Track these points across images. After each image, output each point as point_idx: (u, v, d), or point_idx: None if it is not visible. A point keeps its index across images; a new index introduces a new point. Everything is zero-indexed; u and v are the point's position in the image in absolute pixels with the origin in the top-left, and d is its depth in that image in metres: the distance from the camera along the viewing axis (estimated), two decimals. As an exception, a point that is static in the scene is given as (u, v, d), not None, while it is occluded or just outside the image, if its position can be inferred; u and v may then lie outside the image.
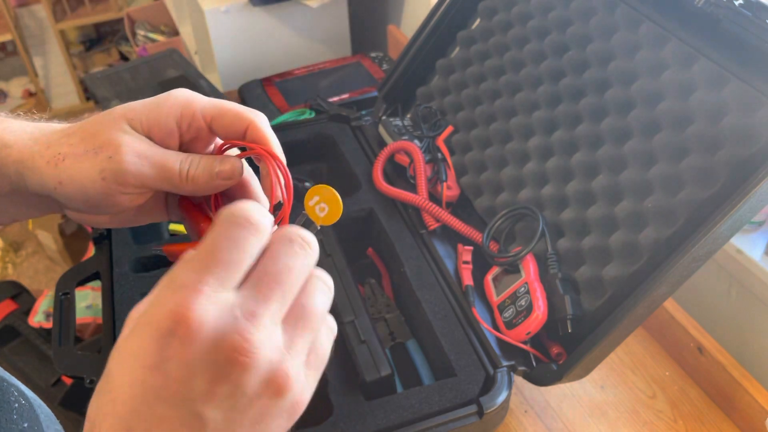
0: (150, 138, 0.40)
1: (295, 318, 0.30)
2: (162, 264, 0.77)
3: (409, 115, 0.93)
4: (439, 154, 0.85)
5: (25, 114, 0.44)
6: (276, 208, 0.42)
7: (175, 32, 2.14)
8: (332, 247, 0.76)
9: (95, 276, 0.77)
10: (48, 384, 1.30)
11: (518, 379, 0.67)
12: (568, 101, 0.74)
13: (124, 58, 2.83)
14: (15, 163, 0.40)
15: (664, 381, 0.79)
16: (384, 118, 0.92)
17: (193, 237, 0.45)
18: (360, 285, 0.79)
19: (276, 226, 0.39)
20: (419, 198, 0.80)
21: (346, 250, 0.77)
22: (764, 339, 0.81)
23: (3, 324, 1.43)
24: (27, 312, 1.47)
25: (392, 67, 0.95)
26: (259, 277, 0.30)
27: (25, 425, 0.35)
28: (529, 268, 0.69)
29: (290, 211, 0.42)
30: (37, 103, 2.93)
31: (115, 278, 0.75)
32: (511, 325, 0.67)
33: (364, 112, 1.01)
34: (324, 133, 0.95)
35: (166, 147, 0.41)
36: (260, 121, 0.40)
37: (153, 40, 2.21)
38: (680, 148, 0.62)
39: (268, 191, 0.42)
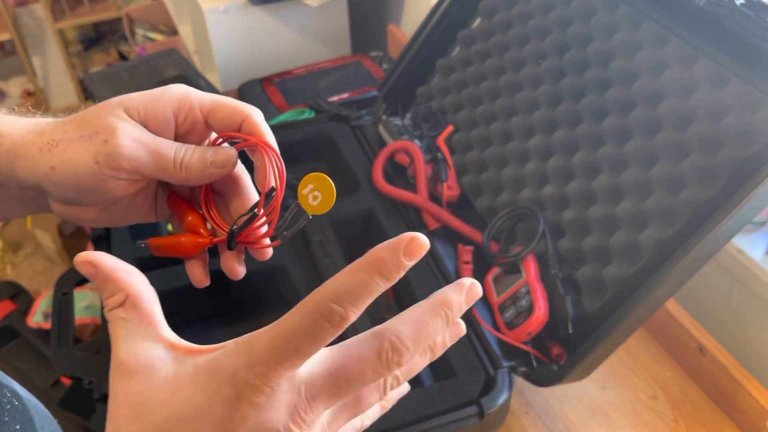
0: (146, 127, 0.40)
1: (345, 405, 0.32)
2: (161, 265, 0.76)
3: (409, 115, 0.93)
4: (440, 154, 0.85)
5: (20, 109, 0.44)
6: (268, 195, 0.42)
7: (175, 32, 2.14)
8: (332, 247, 0.76)
9: (94, 276, 0.77)
10: (47, 384, 1.29)
11: (519, 380, 0.67)
12: (569, 101, 0.74)
13: (123, 57, 2.83)
14: (7, 152, 0.39)
15: (665, 381, 0.79)
16: (384, 117, 0.92)
17: (179, 230, 0.44)
18: (360, 285, 0.79)
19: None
20: (419, 198, 0.80)
21: (346, 250, 0.76)
22: (766, 339, 0.81)
23: (2, 324, 1.42)
24: (26, 312, 1.47)
25: (392, 67, 0.94)
26: (334, 370, 0.31)
27: (17, 427, 0.35)
28: (530, 269, 0.68)
29: (281, 200, 0.42)
30: (36, 102, 2.93)
31: (114, 278, 0.74)
32: (511, 325, 0.67)
33: (364, 112, 1.01)
34: (324, 132, 0.94)
35: (162, 136, 0.41)
36: (256, 115, 0.41)
37: (152, 40, 2.21)
38: (681, 148, 0.62)
39: (261, 183, 0.41)
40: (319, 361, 0.31)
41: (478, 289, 0.34)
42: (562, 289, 0.66)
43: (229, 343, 0.33)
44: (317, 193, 0.41)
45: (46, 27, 2.89)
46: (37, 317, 1.44)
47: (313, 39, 1.47)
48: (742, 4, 0.59)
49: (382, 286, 0.30)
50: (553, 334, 0.66)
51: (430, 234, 0.78)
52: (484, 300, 0.72)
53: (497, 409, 0.61)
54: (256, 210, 0.42)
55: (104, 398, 0.64)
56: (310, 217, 0.41)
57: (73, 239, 2.18)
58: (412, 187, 0.82)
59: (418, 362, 0.35)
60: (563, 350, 0.66)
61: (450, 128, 0.87)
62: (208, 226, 0.44)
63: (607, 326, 0.61)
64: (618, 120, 0.68)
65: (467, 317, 0.70)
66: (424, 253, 0.31)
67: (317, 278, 0.73)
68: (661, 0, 0.68)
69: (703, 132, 0.61)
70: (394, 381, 0.34)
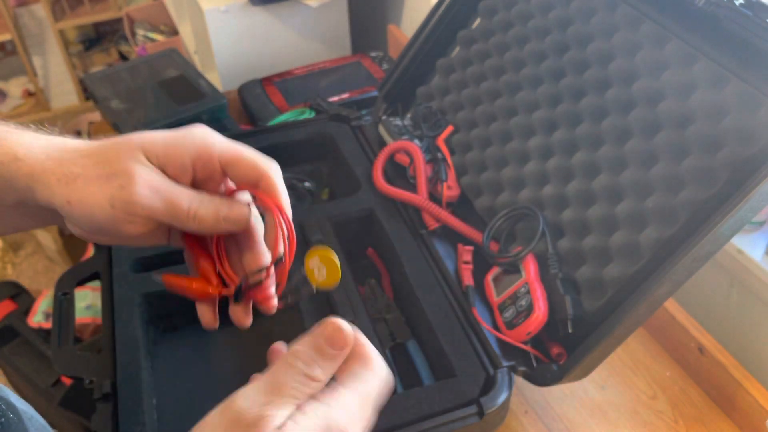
0: (164, 171, 0.41)
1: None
2: (162, 264, 0.76)
3: (409, 115, 0.93)
4: (439, 154, 0.85)
5: (27, 116, 0.44)
6: (277, 263, 0.43)
7: (175, 32, 2.14)
8: (332, 247, 0.76)
9: (95, 276, 0.77)
10: (47, 384, 1.29)
11: (519, 380, 0.67)
12: (569, 101, 0.74)
13: (123, 57, 2.83)
14: (25, 176, 0.39)
15: (665, 381, 0.79)
16: (384, 117, 0.92)
17: (192, 272, 0.45)
18: (360, 285, 0.79)
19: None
20: (419, 198, 0.80)
21: (346, 250, 0.76)
22: (765, 339, 0.81)
23: (2, 324, 1.43)
24: (26, 312, 1.47)
25: (392, 67, 0.94)
26: (323, 413, 0.35)
27: None
28: (530, 269, 0.69)
29: (290, 266, 0.44)
30: (36, 102, 2.93)
31: (114, 278, 0.75)
32: (511, 325, 0.67)
33: (364, 112, 1.01)
34: (324, 132, 0.95)
35: (179, 182, 0.41)
36: (274, 174, 0.41)
37: (152, 40, 2.21)
38: (681, 148, 0.62)
39: (270, 244, 0.43)
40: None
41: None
42: (562, 289, 0.66)
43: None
44: (323, 269, 0.43)
45: (47, 27, 2.89)
46: (38, 317, 1.44)
47: (314, 39, 1.47)
48: (741, 4, 0.59)
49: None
50: (552, 333, 0.66)
51: (430, 234, 0.79)
52: (484, 300, 0.72)
53: (497, 409, 0.61)
54: (263, 274, 0.43)
55: (104, 398, 0.64)
56: (314, 291, 0.43)
57: (73, 239, 2.18)
58: (412, 187, 0.82)
59: None
60: (563, 350, 0.66)
61: (450, 128, 0.87)
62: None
63: (607, 326, 0.61)
64: (618, 120, 0.68)
65: (467, 317, 0.70)
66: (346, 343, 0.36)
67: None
68: (660, 0, 0.68)
69: (703, 132, 0.61)
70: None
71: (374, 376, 0.37)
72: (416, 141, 0.86)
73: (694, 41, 0.63)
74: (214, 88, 1.12)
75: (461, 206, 0.82)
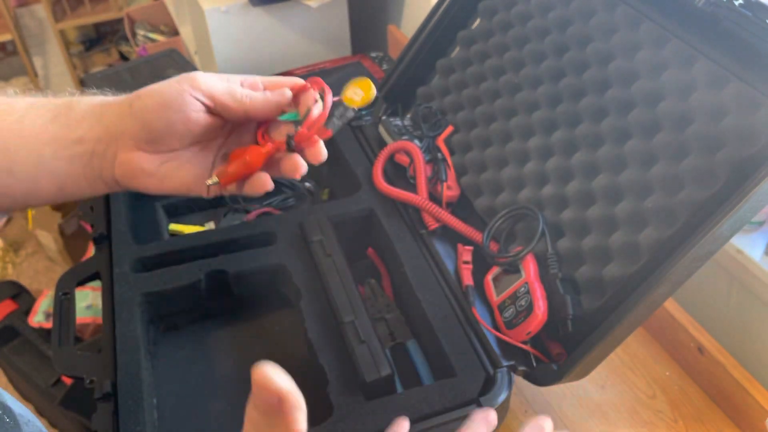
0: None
1: None
2: (162, 264, 0.77)
3: (409, 115, 0.93)
4: (439, 154, 0.85)
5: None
6: (319, 98, 0.54)
7: (175, 32, 2.14)
8: (332, 247, 0.76)
9: (95, 276, 0.77)
10: (48, 384, 1.30)
11: (518, 380, 0.67)
12: (568, 101, 0.74)
13: (123, 58, 2.83)
14: (96, 105, 0.52)
15: (665, 381, 0.80)
16: (384, 118, 0.92)
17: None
18: (360, 285, 0.79)
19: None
20: (419, 198, 0.80)
21: (346, 250, 0.77)
22: (765, 339, 0.81)
23: (3, 324, 1.43)
24: (27, 312, 1.47)
25: (392, 67, 0.94)
26: None
27: None
28: (529, 268, 0.69)
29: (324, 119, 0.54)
30: (37, 103, 2.93)
31: (115, 278, 0.75)
32: (511, 325, 0.67)
33: (364, 112, 1.01)
34: (324, 133, 0.95)
35: None
36: (303, 81, 0.54)
37: (153, 40, 2.21)
38: (680, 148, 0.62)
39: (305, 104, 0.53)
40: None
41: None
42: (562, 289, 0.66)
43: None
44: (359, 91, 0.55)
45: (47, 27, 2.89)
46: (38, 317, 1.44)
47: (314, 40, 1.48)
48: (740, 4, 0.59)
49: None
50: (552, 333, 0.66)
51: (430, 234, 0.79)
52: (484, 299, 0.72)
53: (497, 408, 0.61)
54: (304, 116, 0.53)
55: (105, 397, 0.64)
56: (355, 111, 0.54)
57: (73, 239, 2.18)
58: (412, 187, 0.82)
59: None
60: (563, 350, 0.66)
61: (450, 128, 0.87)
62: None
63: (607, 326, 0.61)
64: (617, 120, 0.68)
65: (467, 317, 0.70)
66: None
67: (317, 278, 0.74)
68: (660, 0, 0.68)
69: (703, 132, 0.61)
70: None
71: None
72: (416, 141, 0.86)
73: (693, 41, 0.63)
74: (215, 89, 1.11)
75: (461, 206, 0.82)
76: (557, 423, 0.75)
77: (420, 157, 0.83)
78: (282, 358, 0.74)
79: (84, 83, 1.19)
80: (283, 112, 0.54)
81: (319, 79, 0.54)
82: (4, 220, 2.49)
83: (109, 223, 0.82)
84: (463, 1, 0.89)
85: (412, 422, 0.61)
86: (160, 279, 0.75)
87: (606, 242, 0.66)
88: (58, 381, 1.29)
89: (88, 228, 0.84)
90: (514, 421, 0.75)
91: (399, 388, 0.69)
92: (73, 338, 0.71)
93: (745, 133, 0.57)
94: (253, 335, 0.78)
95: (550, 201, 0.72)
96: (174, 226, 0.90)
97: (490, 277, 0.73)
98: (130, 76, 1.17)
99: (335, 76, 1.29)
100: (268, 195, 0.71)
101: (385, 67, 1.30)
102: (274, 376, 0.37)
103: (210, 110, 0.51)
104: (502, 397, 0.62)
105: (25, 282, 1.96)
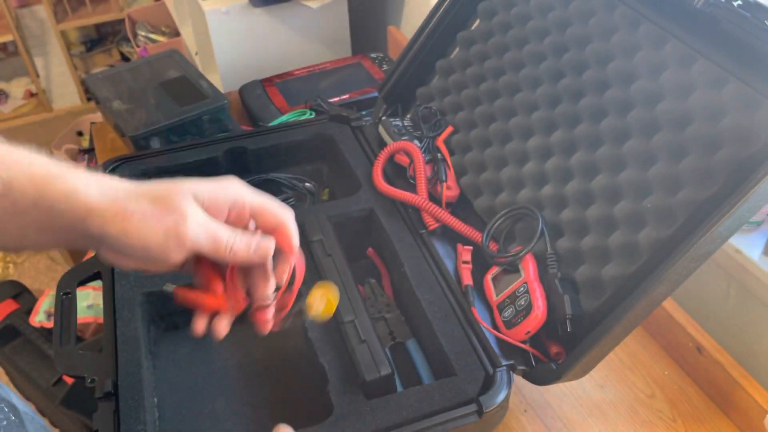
0: (206, 212, 0.49)
1: None
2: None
3: (409, 116, 0.93)
4: (439, 155, 0.85)
5: (29, 117, 0.48)
6: (285, 290, 0.53)
7: (176, 33, 2.14)
8: (332, 247, 0.76)
9: (96, 276, 0.78)
10: (49, 383, 1.30)
11: (518, 379, 0.67)
12: (568, 102, 0.74)
13: (125, 58, 2.84)
14: (83, 209, 0.46)
15: (663, 380, 0.80)
16: (384, 118, 0.92)
17: (201, 288, 0.53)
18: (360, 285, 0.79)
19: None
20: (419, 198, 0.80)
21: (346, 250, 0.77)
22: (763, 338, 0.81)
23: (4, 323, 1.43)
24: (28, 312, 1.47)
25: (392, 68, 0.95)
26: None
27: None
28: (529, 268, 0.69)
29: (295, 298, 0.54)
30: (38, 103, 2.94)
31: (116, 278, 0.75)
32: (510, 324, 0.67)
33: (364, 113, 1.02)
34: (324, 133, 0.95)
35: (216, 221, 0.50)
36: (290, 221, 0.52)
37: (154, 41, 2.21)
38: (679, 149, 0.62)
39: (279, 277, 0.53)
40: None
41: None
42: (561, 289, 0.66)
43: None
44: (322, 304, 0.55)
45: (49, 28, 2.90)
46: (40, 316, 1.44)
47: (314, 40, 1.48)
48: (739, 5, 0.59)
49: None
50: (551, 333, 0.67)
51: (429, 234, 0.79)
52: (484, 299, 0.72)
53: (496, 408, 0.62)
54: (270, 298, 0.53)
55: (106, 397, 0.64)
56: (308, 320, 0.58)
57: (74, 239, 2.18)
58: (412, 187, 0.82)
59: None
60: (562, 349, 0.66)
61: (449, 129, 0.87)
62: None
63: (606, 325, 0.61)
64: (616, 120, 0.69)
65: (467, 317, 0.70)
66: None
67: (317, 277, 0.74)
68: (659, 1, 0.68)
69: (702, 132, 0.61)
70: None
71: None
72: (416, 141, 0.86)
73: (692, 42, 0.64)
74: (216, 89, 1.12)
75: (461, 206, 0.83)
76: (556, 422, 0.75)
77: (420, 158, 0.83)
78: (282, 358, 0.75)
79: (85, 84, 1.20)
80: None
81: (298, 258, 0.53)
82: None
83: (110, 223, 0.82)
84: (463, 1, 0.89)
85: (413, 422, 0.61)
86: (160, 279, 0.75)
87: (605, 242, 0.66)
88: (60, 380, 1.29)
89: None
90: (513, 421, 0.75)
91: (399, 387, 0.69)
92: (74, 338, 0.71)
93: (744, 133, 0.57)
94: (254, 335, 0.78)
95: (550, 201, 0.73)
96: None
97: (489, 276, 0.73)
98: (131, 76, 1.18)
99: (335, 77, 1.30)
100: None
101: (385, 67, 1.30)
102: None
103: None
104: (501, 397, 0.62)
105: (26, 282, 1.96)
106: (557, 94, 0.75)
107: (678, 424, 0.75)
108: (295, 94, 1.24)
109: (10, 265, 2.34)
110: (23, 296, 1.54)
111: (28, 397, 1.36)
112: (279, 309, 0.54)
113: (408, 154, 0.85)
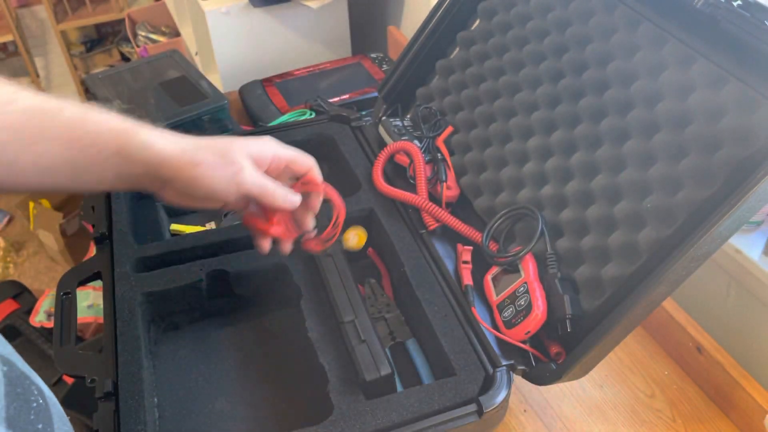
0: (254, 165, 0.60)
1: None
2: (163, 264, 0.77)
3: (409, 116, 0.93)
4: (439, 155, 0.85)
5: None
6: (334, 222, 0.69)
7: (176, 33, 2.15)
8: (333, 246, 0.76)
9: (96, 276, 0.78)
10: (49, 383, 1.29)
11: (517, 379, 0.67)
12: (568, 102, 0.74)
13: (125, 58, 2.84)
14: (156, 158, 0.55)
15: (663, 380, 0.80)
16: (384, 118, 0.92)
17: (261, 218, 0.65)
18: (360, 285, 0.80)
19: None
20: (419, 198, 0.80)
21: (347, 250, 0.77)
22: (763, 338, 0.81)
23: (4, 323, 1.43)
24: (28, 311, 1.47)
25: (392, 68, 0.95)
26: None
27: (39, 426, 0.36)
28: (529, 268, 0.69)
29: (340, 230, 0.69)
30: (38, 103, 2.94)
31: (116, 278, 0.75)
32: (510, 324, 0.67)
33: (364, 113, 1.02)
34: (324, 133, 0.95)
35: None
36: (315, 166, 0.65)
37: (154, 41, 2.22)
38: (679, 149, 0.62)
39: (314, 208, 0.67)
40: None
41: None
42: (561, 289, 0.66)
43: None
44: (355, 239, 0.78)
45: (49, 28, 2.90)
46: (40, 316, 1.44)
47: (314, 40, 1.48)
48: (738, 5, 0.59)
49: None
50: (551, 333, 0.67)
51: (429, 234, 0.79)
52: (483, 299, 0.72)
53: (496, 407, 0.62)
54: (315, 232, 0.68)
55: (106, 397, 0.64)
56: (345, 248, 0.77)
57: (74, 239, 2.19)
58: (412, 187, 0.82)
59: None
60: (561, 349, 0.66)
61: (449, 129, 0.87)
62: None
63: (605, 325, 0.61)
64: (616, 121, 0.69)
65: (467, 317, 0.70)
66: None
67: (318, 277, 0.74)
68: (658, 1, 0.68)
69: (701, 132, 0.61)
70: None
71: None
72: (416, 141, 0.87)
73: (692, 42, 0.64)
74: (216, 89, 1.12)
75: (461, 206, 0.83)
76: (556, 422, 0.75)
77: (420, 158, 0.83)
78: (282, 358, 0.75)
79: (85, 84, 1.20)
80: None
81: (339, 202, 0.69)
82: (5, 220, 2.49)
83: (111, 223, 0.82)
84: (463, 1, 0.89)
85: (412, 422, 0.61)
86: (161, 279, 0.75)
87: (605, 242, 0.66)
88: (60, 380, 1.29)
89: (90, 228, 0.84)
90: (513, 421, 0.75)
91: (399, 387, 0.69)
92: (74, 338, 0.71)
93: (744, 133, 0.57)
94: (254, 335, 0.78)
95: (550, 201, 0.73)
96: (175, 226, 0.90)
97: (489, 276, 0.73)
98: (131, 76, 1.18)
99: (335, 77, 1.30)
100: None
101: (384, 67, 1.30)
102: None
103: None
104: (501, 396, 0.62)
105: (26, 282, 1.97)
106: (557, 94, 0.76)
107: (678, 424, 0.75)
108: (295, 94, 1.24)
109: (10, 265, 2.34)
110: (23, 296, 1.54)
111: (28, 397, 1.36)
112: (326, 240, 0.69)
113: (408, 154, 0.85)
